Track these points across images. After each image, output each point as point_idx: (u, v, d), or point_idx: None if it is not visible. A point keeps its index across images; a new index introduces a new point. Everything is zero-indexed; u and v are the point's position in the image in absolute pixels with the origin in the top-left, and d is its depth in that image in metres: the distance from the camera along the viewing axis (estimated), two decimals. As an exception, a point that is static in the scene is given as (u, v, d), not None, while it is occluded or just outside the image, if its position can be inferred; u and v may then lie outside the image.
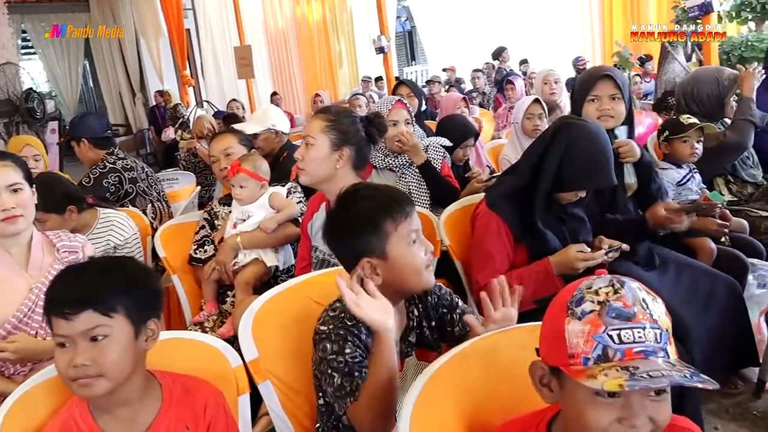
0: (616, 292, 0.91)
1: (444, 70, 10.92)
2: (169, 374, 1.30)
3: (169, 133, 8.94)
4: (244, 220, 2.38)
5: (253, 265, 2.32)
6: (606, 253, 1.84)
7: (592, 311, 0.90)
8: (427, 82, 9.23)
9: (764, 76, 2.84)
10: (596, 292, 0.92)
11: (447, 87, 9.53)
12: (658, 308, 0.91)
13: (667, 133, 2.61)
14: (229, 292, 2.39)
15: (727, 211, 2.59)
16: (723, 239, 2.51)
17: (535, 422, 1.06)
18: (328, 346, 1.31)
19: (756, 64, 2.81)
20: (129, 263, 1.26)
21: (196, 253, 2.45)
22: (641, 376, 0.83)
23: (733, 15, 5.12)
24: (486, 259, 1.95)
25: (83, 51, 12.58)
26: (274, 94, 10.02)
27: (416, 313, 1.47)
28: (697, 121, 2.60)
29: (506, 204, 1.95)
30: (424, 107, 6.15)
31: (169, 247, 2.47)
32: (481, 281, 1.94)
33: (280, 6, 12.54)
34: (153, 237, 2.57)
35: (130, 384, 1.19)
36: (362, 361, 1.30)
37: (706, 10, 3.61)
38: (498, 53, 9.45)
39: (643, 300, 0.90)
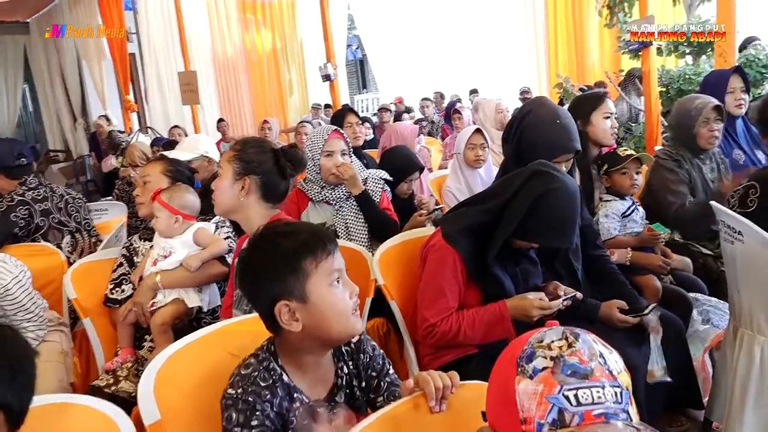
0: (570, 345, 0.81)
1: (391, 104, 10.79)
2: None
3: (111, 162, 8.60)
4: (166, 257, 2.20)
5: (172, 304, 2.14)
6: (562, 301, 1.79)
7: (544, 368, 0.79)
8: (379, 110, 9.20)
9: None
10: (549, 347, 0.82)
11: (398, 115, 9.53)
12: (616, 363, 0.81)
13: (606, 166, 2.57)
14: (147, 336, 2.19)
15: (668, 249, 2.56)
16: (666, 277, 2.48)
17: None
18: (234, 415, 1.16)
19: None
20: None
21: (112, 293, 2.26)
22: None
23: (672, 49, 5.26)
24: (438, 294, 1.84)
25: (23, 75, 12.16)
26: (220, 120, 9.80)
27: (345, 370, 1.32)
28: (633, 152, 2.57)
29: (464, 239, 1.85)
30: (371, 136, 6.12)
31: (84, 287, 2.26)
32: (430, 318, 1.84)
33: (228, 33, 12.41)
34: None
35: None
36: None
37: (645, 43, 3.66)
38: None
39: (601, 354, 0.81)
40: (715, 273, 2.65)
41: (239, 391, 1.19)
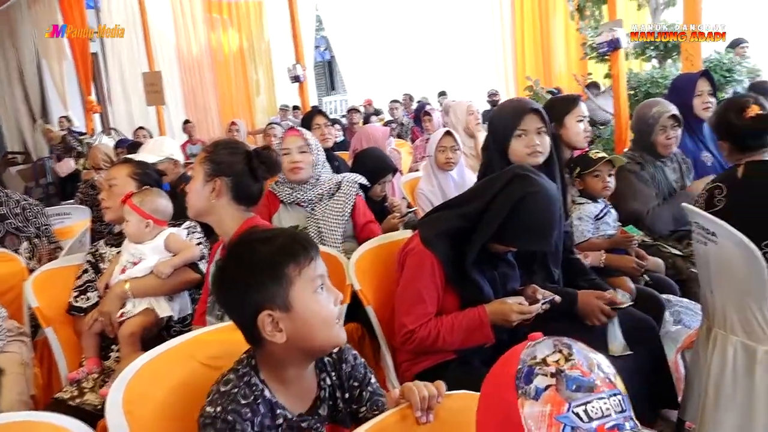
0: (567, 359, 0.77)
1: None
2: None
3: (69, 164, 8.37)
4: (135, 264, 2.12)
5: (142, 315, 2.06)
6: (541, 305, 1.77)
7: (548, 387, 0.75)
8: (348, 111, 9.16)
9: None
10: (545, 362, 0.77)
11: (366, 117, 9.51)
12: (609, 368, 0.79)
13: (578, 169, 2.57)
14: (113, 346, 2.11)
15: (642, 251, 2.58)
16: (642, 278, 2.49)
17: None
18: None
19: None
20: None
21: (76, 301, 2.16)
22: None
23: (638, 53, 5.35)
24: (416, 300, 1.81)
25: (-22, 73, 11.79)
26: (186, 122, 9.63)
27: (328, 381, 1.27)
28: (606, 155, 2.58)
29: (442, 243, 1.82)
30: (341, 138, 6.07)
31: (46, 294, 2.16)
32: (409, 324, 1.80)
33: (194, 33, 12.20)
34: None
35: None
36: None
37: (614, 46, 3.69)
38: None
39: (598, 363, 0.78)
40: (685, 273, 2.69)
41: (218, 409, 1.13)
